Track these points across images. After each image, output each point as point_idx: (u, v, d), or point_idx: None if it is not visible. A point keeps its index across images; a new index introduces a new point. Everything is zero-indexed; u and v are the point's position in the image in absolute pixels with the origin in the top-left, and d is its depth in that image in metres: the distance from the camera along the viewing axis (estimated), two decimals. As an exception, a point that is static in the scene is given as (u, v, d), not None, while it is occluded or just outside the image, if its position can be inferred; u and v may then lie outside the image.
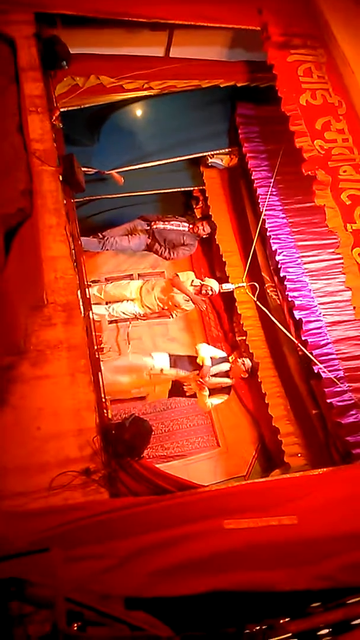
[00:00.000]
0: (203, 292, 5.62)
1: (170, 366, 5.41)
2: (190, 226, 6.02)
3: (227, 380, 5.50)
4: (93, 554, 2.69)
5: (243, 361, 5.46)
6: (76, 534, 2.71)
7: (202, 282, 5.62)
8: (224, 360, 5.58)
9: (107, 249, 5.93)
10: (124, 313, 5.80)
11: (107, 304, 5.82)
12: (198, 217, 6.50)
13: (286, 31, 4.65)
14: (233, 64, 5.40)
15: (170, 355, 5.52)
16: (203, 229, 5.97)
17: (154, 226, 5.89)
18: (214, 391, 5.48)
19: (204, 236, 6.08)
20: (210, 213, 6.16)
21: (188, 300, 5.61)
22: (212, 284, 5.61)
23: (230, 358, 5.63)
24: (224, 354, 5.70)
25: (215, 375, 5.42)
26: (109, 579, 2.62)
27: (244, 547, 2.88)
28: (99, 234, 5.77)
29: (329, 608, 2.84)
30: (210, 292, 5.63)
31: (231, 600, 2.80)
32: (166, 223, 5.95)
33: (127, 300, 5.77)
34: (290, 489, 3.31)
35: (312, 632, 2.68)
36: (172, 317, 5.90)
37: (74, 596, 2.26)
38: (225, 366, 5.52)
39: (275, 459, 5.24)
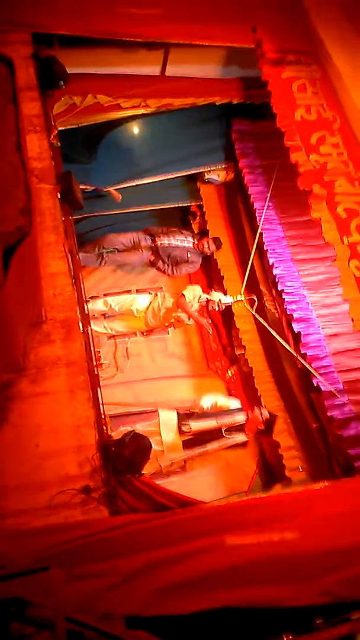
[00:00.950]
0: (210, 307, 5.62)
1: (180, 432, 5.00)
2: (195, 242, 5.96)
3: (242, 438, 5.15)
4: (94, 573, 2.66)
5: (261, 411, 5.14)
6: (76, 552, 2.69)
7: (209, 298, 5.61)
8: (239, 411, 5.31)
9: (108, 265, 5.95)
10: (122, 331, 5.81)
11: (105, 318, 5.82)
12: (195, 232, 6.50)
13: (280, 48, 4.73)
14: (228, 81, 5.47)
15: (178, 414, 5.16)
16: (208, 247, 5.88)
17: (158, 242, 5.83)
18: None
19: (208, 254, 6.01)
20: (207, 228, 6.19)
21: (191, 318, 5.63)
22: (220, 297, 5.59)
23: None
24: (237, 404, 5.42)
25: (229, 430, 5.09)
26: (110, 597, 2.60)
27: (246, 563, 2.86)
28: (100, 241, 5.76)
29: (333, 623, 2.81)
30: (217, 308, 5.63)
31: (234, 617, 2.78)
32: (171, 238, 5.87)
33: (130, 317, 5.77)
34: (292, 504, 3.29)
35: (316, 649, 2.65)
36: (173, 327, 5.87)
37: (75, 616, 2.24)
38: (240, 417, 5.22)
39: (276, 473, 5.21)
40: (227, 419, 5.08)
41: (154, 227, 6.10)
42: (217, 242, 5.90)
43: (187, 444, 4.91)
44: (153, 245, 5.85)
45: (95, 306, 5.71)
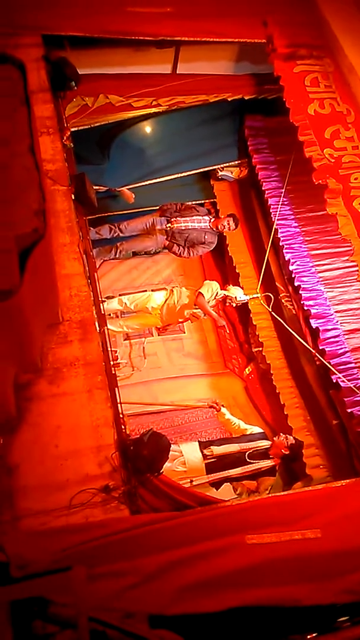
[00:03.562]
0: (227, 303, 5.58)
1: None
2: (212, 219, 5.82)
3: (267, 463, 4.82)
4: (115, 572, 2.67)
5: (286, 437, 4.84)
6: (98, 551, 2.70)
7: (226, 294, 5.57)
8: (261, 435, 5.12)
9: (123, 255, 5.92)
10: (138, 328, 5.80)
11: (120, 317, 5.82)
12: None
13: (292, 42, 4.68)
14: (240, 77, 5.44)
15: (200, 442, 5.01)
16: (228, 227, 5.74)
17: (175, 225, 5.71)
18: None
19: (227, 232, 5.86)
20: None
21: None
22: (237, 293, 5.55)
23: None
24: (259, 430, 5.22)
25: (253, 455, 4.83)
26: (132, 596, 2.60)
27: (268, 562, 2.84)
28: (114, 225, 5.74)
29: (356, 622, 2.79)
30: (234, 304, 5.60)
31: (256, 616, 2.76)
32: (187, 220, 5.73)
33: (145, 314, 5.76)
34: (312, 502, 3.26)
35: (340, 648, 2.63)
36: (190, 322, 5.83)
37: (97, 615, 2.24)
38: (263, 442, 4.98)
39: (296, 472, 5.17)
40: (250, 444, 4.94)
41: (167, 203, 5.89)
42: (236, 220, 5.77)
43: (210, 469, 4.87)
44: (169, 228, 5.75)
45: (111, 306, 5.71)
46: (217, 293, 5.52)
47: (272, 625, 2.76)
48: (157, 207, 5.93)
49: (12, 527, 2.82)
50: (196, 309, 5.53)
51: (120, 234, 5.77)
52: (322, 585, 2.83)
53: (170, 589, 2.65)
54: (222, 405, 5.42)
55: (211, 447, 4.88)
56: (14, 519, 2.85)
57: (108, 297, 5.90)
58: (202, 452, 4.83)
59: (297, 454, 4.85)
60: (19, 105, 2.82)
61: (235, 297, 5.52)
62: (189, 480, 4.64)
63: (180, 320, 5.77)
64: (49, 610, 2.28)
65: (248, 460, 4.76)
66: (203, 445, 4.92)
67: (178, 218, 5.74)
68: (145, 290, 6.28)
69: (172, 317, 5.67)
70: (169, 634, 2.48)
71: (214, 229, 5.79)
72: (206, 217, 5.82)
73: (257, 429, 5.24)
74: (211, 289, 5.50)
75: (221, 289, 5.60)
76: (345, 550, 2.96)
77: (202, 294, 5.45)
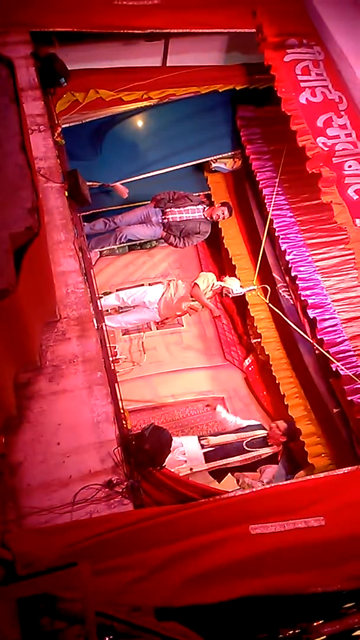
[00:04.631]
0: (224, 294, 5.58)
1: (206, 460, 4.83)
2: (206, 208, 5.81)
3: (266, 451, 4.90)
4: (121, 566, 2.69)
5: (277, 425, 4.95)
6: (103, 546, 2.71)
7: (223, 285, 5.55)
8: (258, 427, 5.15)
9: (122, 242, 5.93)
10: (136, 323, 5.79)
11: (118, 313, 5.82)
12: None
13: (281, 31, 4.66)
14: (231, 67, 5.42)
15: (200, 438, 5.02)
16: (223, 216, 5.77)
17: (170, 216, 5.71)
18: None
19: (221, 221, 5.91)
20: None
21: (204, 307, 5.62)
22: (233, 284, 5.53)
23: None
24: (256, 422, 5.27)
25: (251, 444, 4.89)
26: (138, 590, 2.62)
27: (273, 551, 2.86)
28: (108, 219, 5.75)
29: (362, 608, 2.81)
30: (231, 295, 5.60)
31: (263, 605, 2.78)
32: (182, 210, 5.72)
33: (143, 309, 5.76)
34: (315, 490, 3.28)
35: (346, 633, 2.65)
36: (189, 315, 5.84)
37: (104, 609, 2.26)
38: (260, 432, 5.03)
39: (299, 461, 5.18)
40: (247, 433, 4.99)
41: (160, 193, 5.83)
42: (230, 208, 5.79)
43: (208, 457, 4.87)
44: (164, 220, 5.75)
45: (108, 301, 5.71)
46: (213, 284, 5.52)
47: (279, 613, 2.79)
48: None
49: (17, 525, 2.83)
50: (193, 301, 5.53)
51: (115, 228, 5.78)
52: (327, 572, 2.85)
53: (176, 581, 2.67)
54: (218, 404, 5.44)
55: (208, 437, 4.93)
56: (18, 518, 2.86)
57: (105, 293, 5.90)
58: (200, 442, 4.88)
59: (294, 433, 4.91)
60: (8, 104, 2.80)
61: (232, 290, 5.52)
62: (189, 469, 4.68)
63: (178, 313, 5.77)
64: (56, 606, 2.29)
65: (246, 448, 4.80)
66: (201, 437, 4.97)
67: (173, 209, 5.73)
68: (142, 285, 6.27)
69: (170, 310, 5.67)
70: (176, 626, 2.50)
71: (208, 218, 5.79)
72: (200, 206, 5.82)
73: (254, 422, 5.26)
74: (207, 280, 5.51)
75: (217, 280, 5.60)
76: (349, 537, 2.98)
77: (198, 285, 5.46)
